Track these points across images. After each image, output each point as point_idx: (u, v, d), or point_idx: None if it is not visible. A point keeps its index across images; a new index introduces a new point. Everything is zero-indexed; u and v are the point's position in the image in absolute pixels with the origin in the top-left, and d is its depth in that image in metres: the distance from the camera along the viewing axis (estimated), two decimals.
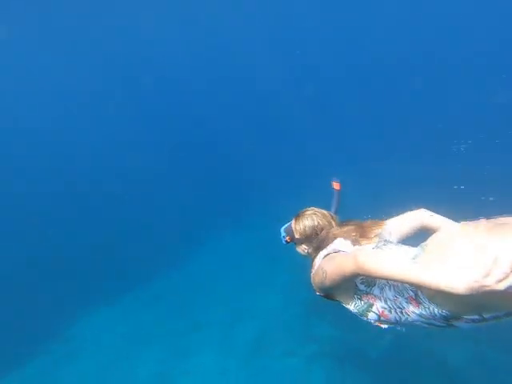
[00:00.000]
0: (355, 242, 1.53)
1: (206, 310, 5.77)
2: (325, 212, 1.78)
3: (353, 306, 1.45)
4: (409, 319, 1.32)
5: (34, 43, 12.47)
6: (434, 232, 1.39)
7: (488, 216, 1.23)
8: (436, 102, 11.23)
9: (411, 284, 1.23)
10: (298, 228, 1.74)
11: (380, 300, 1.37)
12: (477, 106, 9.87)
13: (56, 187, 10.95)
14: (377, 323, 1.43)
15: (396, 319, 1.36)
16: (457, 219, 1.45)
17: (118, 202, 10.39)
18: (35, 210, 9.87)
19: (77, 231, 8.93)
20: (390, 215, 1.74)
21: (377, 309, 1.38)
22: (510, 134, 6.82)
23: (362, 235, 1.56)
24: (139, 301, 6.63)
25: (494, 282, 0.98)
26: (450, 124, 8.85)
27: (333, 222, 1.72)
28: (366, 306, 1.41)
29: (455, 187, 5.45)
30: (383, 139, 10.14)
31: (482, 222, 1.18)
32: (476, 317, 1.18)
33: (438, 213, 1.68)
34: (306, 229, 1.71)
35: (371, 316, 1.41)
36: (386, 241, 1.50)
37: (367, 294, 1.41)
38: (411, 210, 1.72)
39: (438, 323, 1.28)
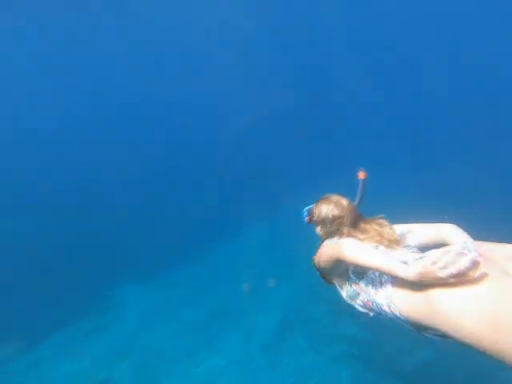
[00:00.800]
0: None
1: (235, 297, 5.81)
2: (345, 203, 1.81)
3: (344, 291, 1.65)
4: (388, 316, 1.43)
5: None
6: None
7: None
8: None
9: (377, 270, 1.42)
10: (315, 211, 1.87)
11: (364, 292, 1.53)
12: None
13: None
14: (363, 310, 1.58)
15: (379, 312, 1.48)
16: None
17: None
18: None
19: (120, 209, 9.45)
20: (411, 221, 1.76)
21: (362, 298, 1.55)
22: None
23: (379, 241, 1.61)
24: (171, 280, 6.83)
25: (438, 268, 1.13)
26: None
27: (349, 216, 1.75)
28: (354, 294, 1.59)
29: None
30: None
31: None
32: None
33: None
34: (322, 213, 1.82)
35: (358, 303, 1.59)
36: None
37: (356, 283, 1.58)
38: (443, 221, 1.69)
39: (412, 329, 1.37)
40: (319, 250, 1.71)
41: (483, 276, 1.13)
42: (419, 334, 1.36)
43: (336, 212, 1.77)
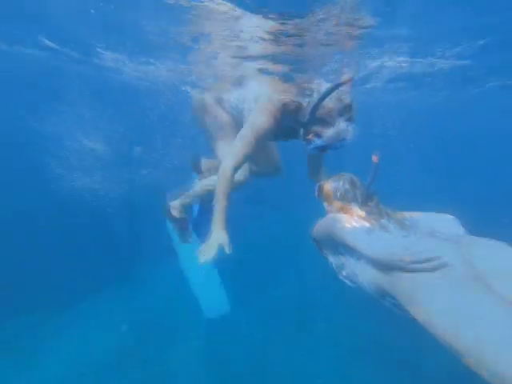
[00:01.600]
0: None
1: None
2: (355, 181, 1.93)
3: (334, 261, 1.76)
4: (361, 287, 1.56)
5: None
6: None
7: None
8: None
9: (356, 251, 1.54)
10: (326, 185, 1.97)
11: (349, 265, 1.64)
12: None
13: None
14: (347, 281, 1.67)
15: (355, 282, 1.60)
16: None
17: None
18: None
19: None
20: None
21: (347, 270, 1.66)
22: None
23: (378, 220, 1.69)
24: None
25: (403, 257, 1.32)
26: None
27: (356, 195, 1.87)
28: (340, 264, 1.71)
29: None
30: None
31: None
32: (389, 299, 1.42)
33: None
34: (331, 189, 1.93)
35: (344, 274, 1.69)
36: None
37: (344, 256, 1.68)
38: (443, 212, 1.75)
39: (376, 296, 1.50)
40: (318, 222, 1.83)
41: (445, 263, 1.25)
42: (380, 300, 1.50)
43: (346, 188, 1.88)
